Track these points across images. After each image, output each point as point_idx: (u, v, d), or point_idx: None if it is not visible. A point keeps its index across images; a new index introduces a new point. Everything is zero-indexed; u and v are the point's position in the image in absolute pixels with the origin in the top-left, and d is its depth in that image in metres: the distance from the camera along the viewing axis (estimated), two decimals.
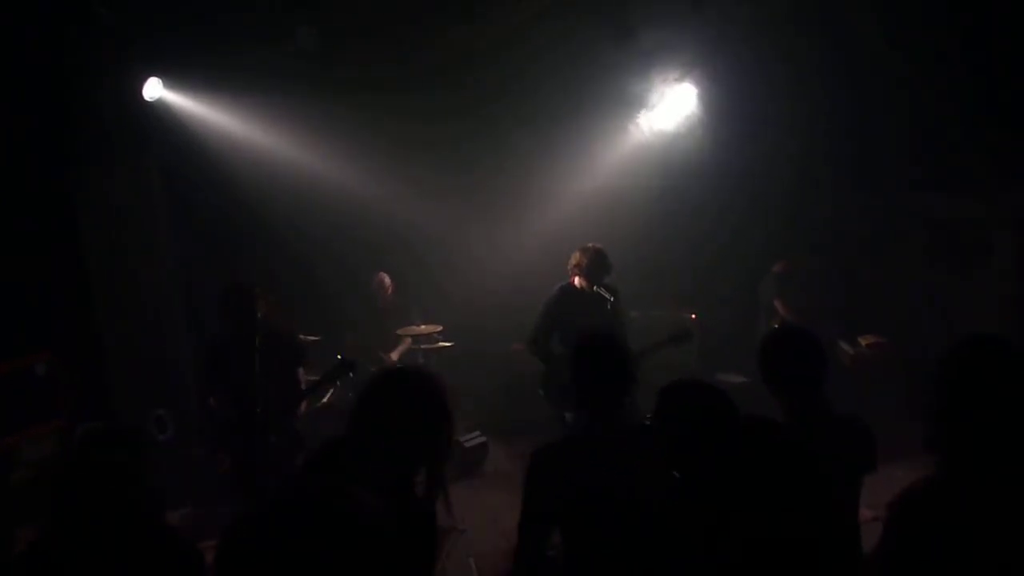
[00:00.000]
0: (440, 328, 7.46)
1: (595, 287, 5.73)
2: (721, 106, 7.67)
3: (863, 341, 7.42)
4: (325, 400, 6.92)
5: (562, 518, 2.69)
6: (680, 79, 7.71)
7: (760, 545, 1.71)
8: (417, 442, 2.41)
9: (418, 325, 7.41)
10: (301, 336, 6.91)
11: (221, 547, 1.58)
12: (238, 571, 1.52)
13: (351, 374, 4.93)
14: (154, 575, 2.49)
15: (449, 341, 7.54)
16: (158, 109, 6.75)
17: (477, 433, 7.09)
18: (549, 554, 2.75)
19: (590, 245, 5.81)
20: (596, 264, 5.73)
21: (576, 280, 5.84)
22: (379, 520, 1.55)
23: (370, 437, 2.39)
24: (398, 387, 2.49)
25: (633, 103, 7.95)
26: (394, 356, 7.39)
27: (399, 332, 7.38)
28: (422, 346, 7.44)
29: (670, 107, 7.95)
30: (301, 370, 5.29)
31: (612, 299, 5.69)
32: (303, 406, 5.64)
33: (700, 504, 1.82)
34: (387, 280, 7.66)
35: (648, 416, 2.69)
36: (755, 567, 1.71)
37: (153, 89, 6.57)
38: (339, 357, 5.03)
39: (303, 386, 5.22)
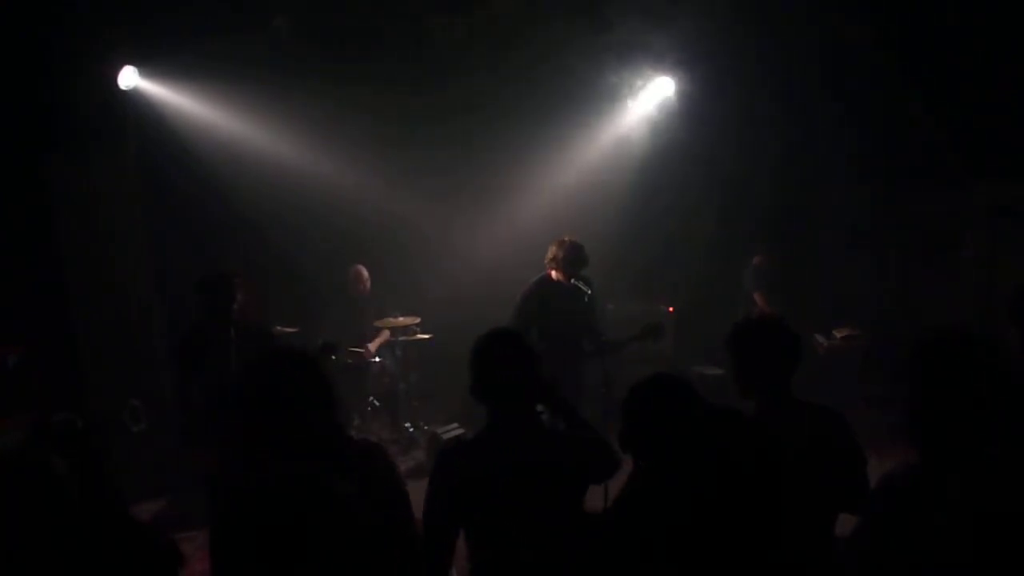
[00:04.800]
0: (418, 320, 7.45)
1: (572, 280, 5.75)
2: (700, 100, 7.70)
3: (838, 333, 7.50)
4: None
5: (462, 517, 2.67)
6: (659, 72, 7.73)
7: (711, 540, 1.73)
8: (319, 410, 2.43)
9: (395, 317, 7.40)
10: (277, 328, 6.90)
11: (216, 529, 1.63)
12: (236, 549, 1.58)
13: (332, 357, 4.91)
14: (123, 568, 2.47)
15: (427, 333, 7.54)
16: (134, 98, 6.68)
17: (455, 425, 7.09)
18: None
19: (567, 238, 5.82)
20: (573, 257, 5.74)
21: (553, 273, 5.84)
22: (351, 498, 1.62)
23: (285, 421, 2.40)
24: (287, 366, 2.48)
25: (612, 97, 7.97)
26: (372, 347, 7.37)
27: (377, 324, 7.37)
28: (400, 338, 7.44)
29: (649, 101, 7.97)
30: None
31: (589, 292, 5.73)
32: None
33: (660, 495, 1.84)
34: (364, 272, 7.62)
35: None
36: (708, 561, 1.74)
37: (128, 78, 6.51)
38: (321, 342, 5.01)
39: None
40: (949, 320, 5.55)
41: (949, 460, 2.07)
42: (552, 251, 5.81)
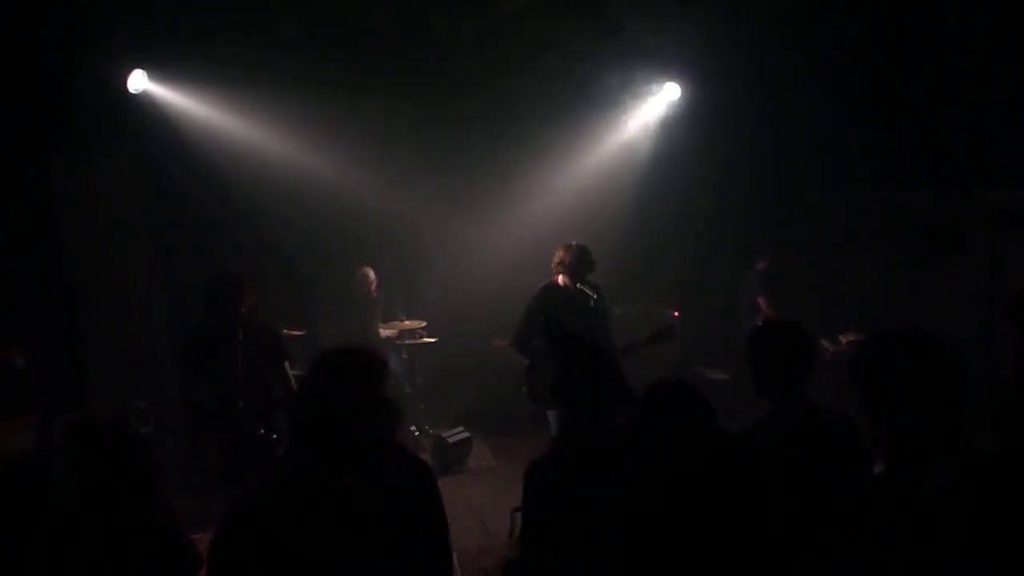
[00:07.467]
0: (424, 324, 7.45)
1: (578, 284, 5.72)
2: (703, 104, 7.71)
3: (844, 338, 7.48)
4: None
5: (557, 531, 2.63)
6: (664, 77, 7.74)
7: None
8: (369, 410, 2.39)
9: (402, 320, 7.39)
10: (284, 331, 6.89)
11: (218, 536, 1.60)
12: (235, 560, 1.57)
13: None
14: (153, 563, 2.48)
15: (432, 337, 7.53)
16: (141, 100, 6.70)
17: (460, 429, 7.09)
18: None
19: (573, 243, 5.79)
20: (579, 261, 5.71)
21: (560, 278, 5.80)
22: (366, 503, 1.61)
23: (331, 418, 2.38)
24: (340, 365, 2.45)
25: (616, 102, 7.97)
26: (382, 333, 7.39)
27: (383, 327, 7.37)
28: (406, 341, 7.43)
29: (653, 106, 7.98)
30: (287, 364, 5.20)
31: (595, 296, 5.70)
32: None
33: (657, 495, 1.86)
34: (371, 274, 7.59)
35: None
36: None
37: (138, 81, 6.53)
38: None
39: (293, 382, 5.12)
40: (951, 321, 5.54)
41: (914, 460, 2.07)
42: (559, 255, 5.77)
